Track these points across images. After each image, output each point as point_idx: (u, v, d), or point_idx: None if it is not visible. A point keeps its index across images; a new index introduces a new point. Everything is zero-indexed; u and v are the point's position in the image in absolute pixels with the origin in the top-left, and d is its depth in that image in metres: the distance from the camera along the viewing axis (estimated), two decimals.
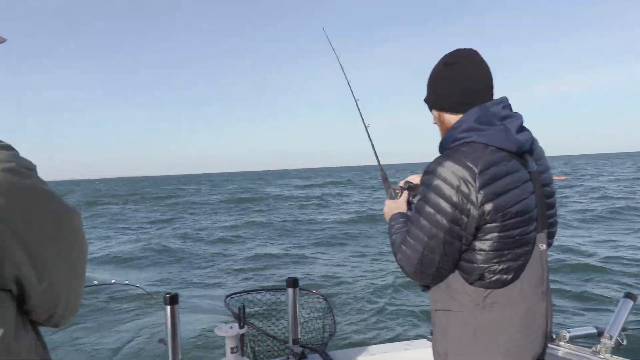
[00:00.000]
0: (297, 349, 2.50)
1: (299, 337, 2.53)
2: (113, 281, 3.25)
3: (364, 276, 9.19)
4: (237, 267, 10.66)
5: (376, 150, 2.06)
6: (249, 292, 2.76)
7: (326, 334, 2.81)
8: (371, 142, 2.08)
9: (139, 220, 23.39)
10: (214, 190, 54.49)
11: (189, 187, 66.94)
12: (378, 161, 2.07)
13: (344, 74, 2.20)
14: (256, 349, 2.57)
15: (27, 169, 0.83)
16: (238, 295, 2.73)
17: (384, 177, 1.96)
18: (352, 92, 2.18)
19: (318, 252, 12.37)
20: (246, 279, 9.52)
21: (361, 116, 2.09)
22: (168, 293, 2.13)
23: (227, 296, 2.68)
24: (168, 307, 2.14)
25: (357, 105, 2.14)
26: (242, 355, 2.41)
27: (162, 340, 2.25)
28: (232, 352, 2.33)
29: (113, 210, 30.17)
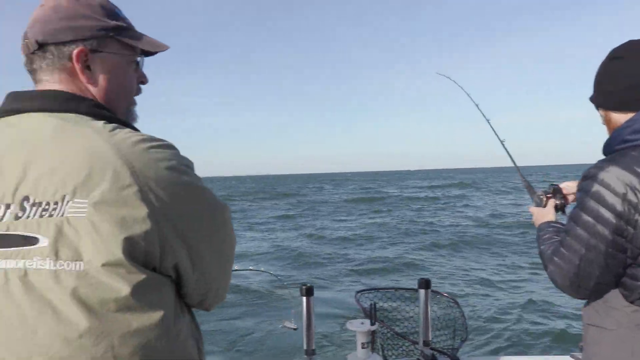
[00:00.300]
0: (428, 351, 2.46)
1: (430, 339, 2.48)
2: (251, 268, 3.48)
3: (497, 282, 8.70)
4: (360, 265, 10.79)
5: (515, 161, 2.06)
6: (379, 289, 2.78)
7: (457, 339, 2.72)
8: (510, 155, 2.08)
9: (266, 216, 24.79)
10: (337, 189, 55.70)
11: (311, 186, 69.27)
12: (518, 170, 2.04)
13: (472, 99, 2.27)
14: (385, 346, 2.57)
15: (186, 166, 0.89)
16: (368, 291, 2.77)
17: (527, 185, 1.91)
18: (482, 113, 2.23)
19: (442, 255, 12.01)
20: (371, 277, 9.58)
21: (495, 133, 2.12)
22: (304, 284, 2.22)
23: (358, 292, 2.73)
24: (304, 299, 2.23)
25: (490, 125, 2.17)
26: (372, 351, 2.43)
27: (288, 323, 2.36)
28: (362, 347, 2.37)
29: (243, 207, 32.32)
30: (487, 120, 2.16)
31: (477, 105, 2.21)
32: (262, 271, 2.72)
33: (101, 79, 0.98)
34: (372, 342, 2.43)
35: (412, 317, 2.88)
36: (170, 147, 0.89)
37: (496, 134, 2.11)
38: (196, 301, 0.95)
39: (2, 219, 0.79)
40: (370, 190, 47.36)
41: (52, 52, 0.94)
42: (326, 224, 20.25)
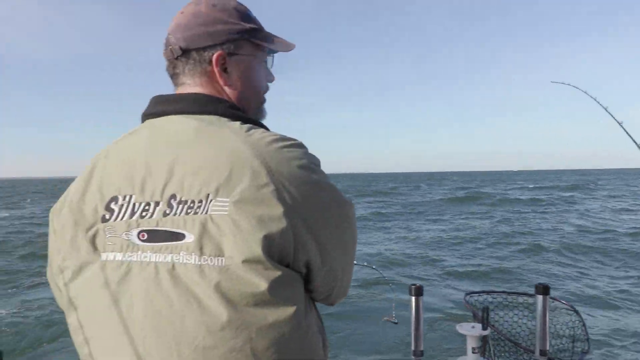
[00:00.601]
0: None
1: (547, 348, 2.32)
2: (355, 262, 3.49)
3: (618, 294, 7.93)
4: (459, 267, 10.41)
5: None
6: (489, 292, 2.66)
7: (577, 350, 2.53)
8: None
9: (359, 213, 24.82)
10: (433, 188, 54.36)
11: (408, 185, 68.18)
12: None
13: (599, 104, 2.16)
14: (497, 352, 2.46)
15: (315, 164, 0.91)
16: (478, 294, 2.66)
17: None
18: (613, 117, 2.10)
19: (550, 260, 11.20)
20: (473, 280, 9.21)
21: (632, 138, 1.99)
22: (414, 284, 2.18)
23: (467, 294, 2.64)
24: (413, 298, 2.19)
25: (623, 128, 2.02)
26: (484, 356, 2.34)
27: (389, 317, 2.33)
28: (473, 352, 2.28)
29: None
30: (619, 124, 2.00)
31: (605, 109, 2.06)
32: (365, 265, 2.72)
33: (237, 80, 1.02)
34: (483, 347, 2.34)
35: (525, 323, 2.73)
36: (301, 145, 0.91)
37: (631, 137, 1.96)
38: (322, 296, 0.96)
39: (152, 215, 0.85)
40: (470, 190, 45.53)
41: (194, 57, 0.99)
42: (420, 224, 19.83)
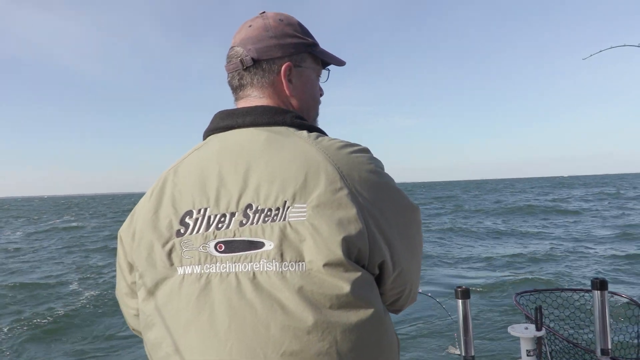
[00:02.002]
0: None
1: (609, 347, 2.17)
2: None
3: None
4: (504, 268, 10.10)
5: None
6: (541, 291, 2.53)
7: None
8: None
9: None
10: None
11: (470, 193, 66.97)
12: None
13: None
14: (554, 354, 2.32)
15: (381, 168, 0.93)
16: (529, 293, 2.53)
17: None
18: None
19: (617, 251, 10.71)
20: (529, 278, 8.88)
21: None
22: (460, 287, 2.09)
23: (517, 294, 2.51)
24: (459, 301, 2.10)
25: None
26: (540, 359, 2.21)
27: (452, 349, 2.20)
28: (528, 355, 2.17)
29: None
30: None
31: None
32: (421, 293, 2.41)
33: (299, 91, 1.07)
34: (538, 349, 2.21)
35: (582, 321, 2.58)
36: (367, 150, 0.94)
37: None
38: (391, 300, 0.96)
39: (228, 226, 0.86)
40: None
41: (263, 68, 1.03)
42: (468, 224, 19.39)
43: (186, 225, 0.89)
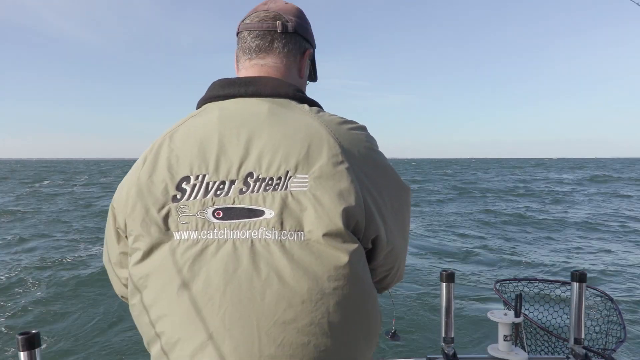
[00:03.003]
0: (580, 351, 2.24)
1: (583, 337, 2.26)
2: None
3: None
4: (486, 256, 10.29)
5: None
6: (520, 280, 2.60)
7: (611, 339, 2.46)
8: None
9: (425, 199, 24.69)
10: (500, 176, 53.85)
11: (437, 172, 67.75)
12: None
13: None
14: (530, 340, 2.41)
15: (377, 146, 0.95)
16: (509, 282, 2.60)
17: None
18: None
19: (602, 246, 11.00)
20: (515, 266, 9.08)
21: None
22: (445, 270, 2.14)
23: (497, 281, 2.58)
24: (444, 284, 2.15)
25: None
26: (515, 344, 2.29)
27: (394, 335, 2.13)
28: (505, 340, 2.23)
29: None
30: None
31: None
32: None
33: (305, 78, 1.14)
34: (515, 334, 2.28)
35: (558, 311, 2.66)
36: (364, 128, 0.95)
37: None
38: (380, 277, 0.98)
39: (227, 193, 0.86)
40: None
41: (295, 41, 1.07)
42: (436, 210, 19.65)
43: (183, 191, 0.88)
